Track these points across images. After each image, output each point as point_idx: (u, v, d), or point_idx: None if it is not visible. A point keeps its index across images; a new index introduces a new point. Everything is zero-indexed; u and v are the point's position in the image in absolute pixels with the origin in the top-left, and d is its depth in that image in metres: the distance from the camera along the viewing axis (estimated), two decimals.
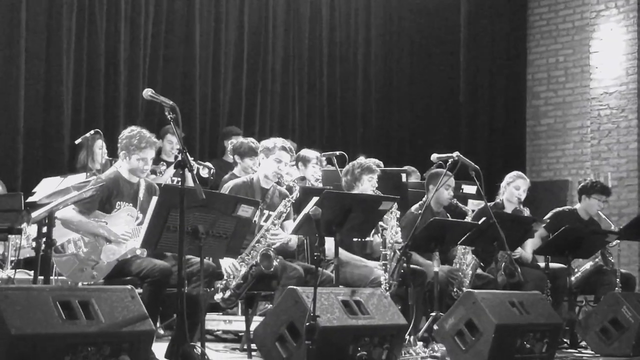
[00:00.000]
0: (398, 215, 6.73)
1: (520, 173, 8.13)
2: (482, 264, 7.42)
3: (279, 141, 6.42)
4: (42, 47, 8.60)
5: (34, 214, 5.07)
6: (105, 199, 5.91)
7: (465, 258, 7.23)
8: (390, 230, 6.59)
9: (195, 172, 5.56)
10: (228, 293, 5.98)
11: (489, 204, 7.20)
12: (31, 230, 6.42)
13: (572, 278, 7.68)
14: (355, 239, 6.76)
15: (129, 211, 5.95)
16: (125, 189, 6.01)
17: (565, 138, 12.92)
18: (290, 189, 6.36)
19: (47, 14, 8.65)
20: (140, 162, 5.96)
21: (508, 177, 8.03)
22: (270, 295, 6.29)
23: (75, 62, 8.81)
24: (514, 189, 7.93)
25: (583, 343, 7.34)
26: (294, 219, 6.19)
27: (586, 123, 12.61)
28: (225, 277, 6.00)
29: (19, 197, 4.67)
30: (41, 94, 8.59)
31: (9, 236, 6.54)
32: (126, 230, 5.84)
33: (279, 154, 6.33)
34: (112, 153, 8.31)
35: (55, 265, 5.99)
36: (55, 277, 6.63)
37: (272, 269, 5.94)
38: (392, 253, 6.53)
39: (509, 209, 7.90)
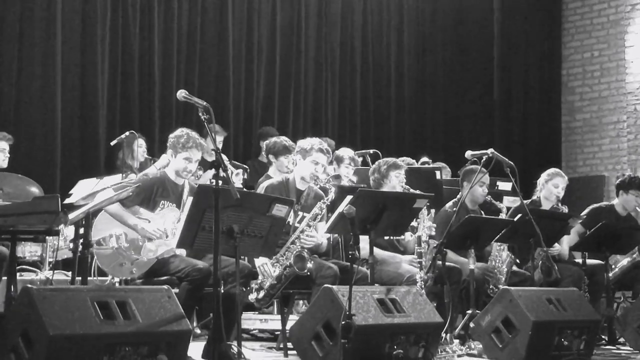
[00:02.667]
0: (432, 213, 6.71)
1: (558, 170, 8.04)
2: (517, 260, 7.38)
3: (316, 142, 6.32)
4: (77, 50, 8.69)
5: (71, 216, 5.11)
6: (147, 196, 5.97)
7: (501, 255, 7.20)
8: (424, 224, 6.56)
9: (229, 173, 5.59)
10: (262, 293, 5.96)
11: (525, 201, 7.14)
12: (68, 231, 6.50)
13: (610, 274, 7.63)
14: (386, 237, 6.74)
15: (172, 211, 6.00)
16: (170, 188, 6.07)
17: (601, 133, 12.79)
18: (325, 191, 6.29)
19: (81, 18, 8.73)
20: (185, 161, 6.01)
21: (545, 175, 7.93)
22: (305, 293, 6.29)
23: (110, 66, 8.89)
24: (552, 186, 7.84)
25: (621, 339, 7.27)
26: (327, 220, 6.17)
27: (622, 118, 12.48)
28: (259, 278, 6.01)
29: (56, 199, 4.70)
30: (77, 97, 8.68)
31: (47, 238, 6.62)
32: (159, 228, 5.88)
33: (316, 156, 6.25)
34: (151, 152, 8.40)
35: (95, 259, 6.07)
36: (94, 278, 6.71)
37: (305, 271, 5.90)
38: (427, 246, 6.51)
39: (546, 206, 7.81)
